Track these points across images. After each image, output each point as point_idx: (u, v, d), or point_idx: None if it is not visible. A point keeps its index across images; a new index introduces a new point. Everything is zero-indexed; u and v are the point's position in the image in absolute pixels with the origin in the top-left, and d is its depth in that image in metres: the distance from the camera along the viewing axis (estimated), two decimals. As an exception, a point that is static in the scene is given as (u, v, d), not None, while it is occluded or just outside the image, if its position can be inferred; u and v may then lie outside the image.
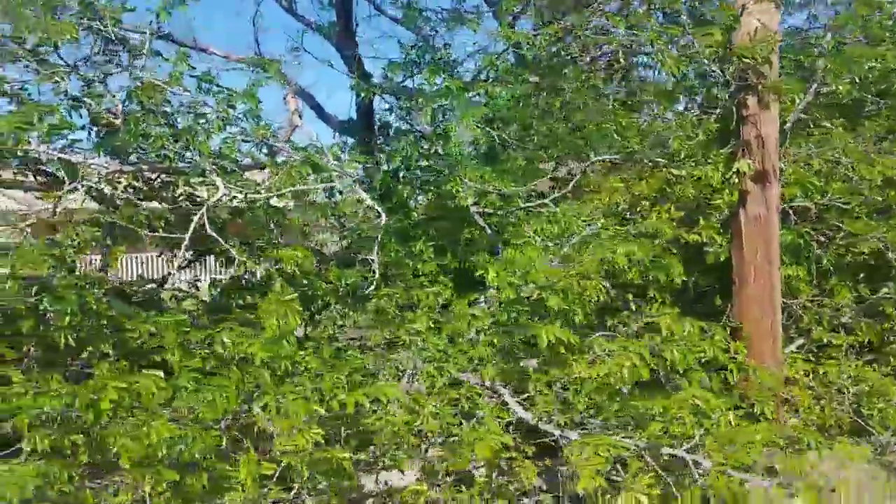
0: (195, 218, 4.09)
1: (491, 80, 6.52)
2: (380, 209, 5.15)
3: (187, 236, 3.98)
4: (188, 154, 5.30)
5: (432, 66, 6.36)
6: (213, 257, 6.09)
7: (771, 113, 4.07)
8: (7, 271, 3.72)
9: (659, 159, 4.15)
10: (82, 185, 4.04)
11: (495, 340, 3.89)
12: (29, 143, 4.37)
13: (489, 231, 5.99)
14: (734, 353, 3.73)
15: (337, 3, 6.56)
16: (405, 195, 6.53)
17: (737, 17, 3.80)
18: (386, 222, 4.99)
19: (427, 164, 6.46)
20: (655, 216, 4.06)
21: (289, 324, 3.26)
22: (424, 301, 4.91)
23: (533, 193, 5.61)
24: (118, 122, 4.39)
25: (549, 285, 3.47)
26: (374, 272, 4.99)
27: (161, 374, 3.29)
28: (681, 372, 3.33)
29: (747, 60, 3.78)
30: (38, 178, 5.10)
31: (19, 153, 4.50)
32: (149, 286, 5.71)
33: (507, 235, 5.70)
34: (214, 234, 4.19)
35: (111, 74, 5.17)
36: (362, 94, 6.58)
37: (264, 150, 5.64)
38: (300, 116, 6.08)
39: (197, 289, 6.80)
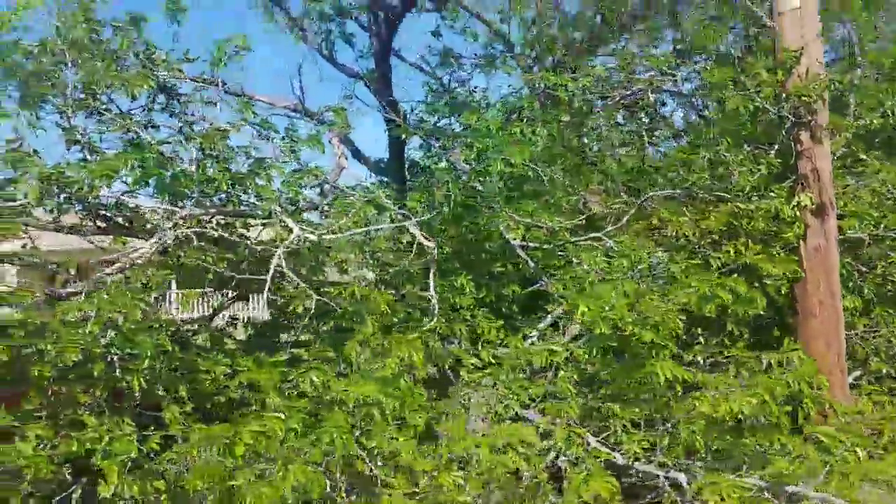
0: (274, 259, 4.21)
1: (526, 119, 6.75)
2: (432, 245, 5.28)
3: (268, 277, 4.08)
4: (243, 197, 5.49)
5: (473, 107, 6.60)
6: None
7: (824, 147, 4.25)
8: (91, 313, 3.81)
9: (722, 194, 4.29)
10: (154, 230, 4.14)
11: (576, 376, 3.94)
12: (100, 189, 4.55)
13: (531, 264, 6.10)
14: (817, 387, 3.77)
15: (376, 53, 6.84)
16: (443, 229, 6.67)
17: (797, 58, 4.01)
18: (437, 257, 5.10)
19: (466, 200, 6.61)
20: (733, 250, 4.16)
21: (415, 363, 3.32)
22: (486, 335, 4.97)
23: (579, 228, 5.75)
24: (191, 167, 4.52)
25: (641, 320, 3.54)
26: (434, 306, 5.09)
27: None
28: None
29: (806, 98, 3.97)
30: (98, 222, 5.25)
31: (91, 199, 4.67)
32: (192, 325, 5.80)
33: (552, 269, 5.84)
34: (290, 273, 4.30)
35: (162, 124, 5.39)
36: (402, 136, 6.80)
37: (317, 192, 5.84)
38: (346, 159, 6.26)
39: (235, 327, 6.88)
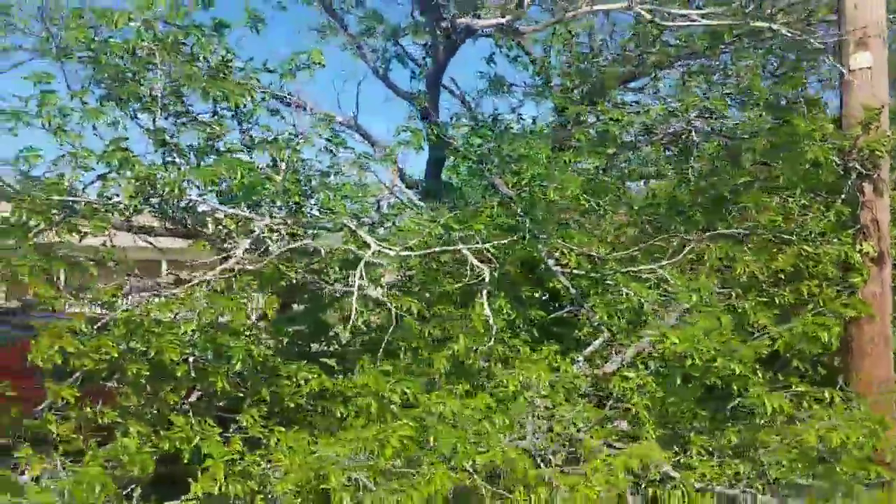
0: (357, 272, 4.39)
1: (572, 149, 7.08)
2: (485, 268, 5.49)
3: (355, 289, 4.26)
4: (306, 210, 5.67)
5: (520, 134, 6.91)
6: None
7: (884, 200, 4.65)
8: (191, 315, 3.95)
9: (788, 237, 4.64)
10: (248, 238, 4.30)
11: (650, 403, 4.20)
12: (187, 193, 4.69)
13: (573, 291, 6.38)
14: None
15: (429, 75, 7.12)
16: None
17: (877, 114, 4.41)
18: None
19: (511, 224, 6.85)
20: (806, 291, 4.49)
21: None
22: (540, 355, 5.20)
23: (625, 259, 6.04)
24: (277, 177, 4.69)
25: (728, 352, 3.83)
26: (492, 327, 5.29)
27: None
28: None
29: (877, 153, 4.36)
30: (168, 224, 5.36)
31: (174, 201, 4.79)
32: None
33: (596, 297, 6.12)
34: (366, 282, 4.48)
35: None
36: (444, 158, 7.07)
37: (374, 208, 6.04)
38: (401, 178, 6.49)
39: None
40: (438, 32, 6.56)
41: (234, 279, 4.53)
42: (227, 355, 4.17)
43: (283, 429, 4.41)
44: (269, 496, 3.86)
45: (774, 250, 4.66)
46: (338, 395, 4.71)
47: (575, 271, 6.34)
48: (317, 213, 5.94)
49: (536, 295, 6.91)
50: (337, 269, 5.97)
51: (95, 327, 3.60)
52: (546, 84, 8.08)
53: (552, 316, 6.51)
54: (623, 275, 5.90)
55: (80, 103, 4.47)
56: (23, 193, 3.89)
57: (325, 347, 6.87)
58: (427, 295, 6.81)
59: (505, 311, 6.47)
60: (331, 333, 6.86)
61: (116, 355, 3.57)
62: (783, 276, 4.60)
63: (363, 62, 7.20)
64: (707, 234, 5.20)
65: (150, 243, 5.61)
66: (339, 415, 4.65)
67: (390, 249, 4.73)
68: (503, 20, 5.68)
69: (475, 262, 5.56)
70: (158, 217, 5.15)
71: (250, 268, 4.39)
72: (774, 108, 5.64)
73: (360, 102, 7.23)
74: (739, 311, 4.47)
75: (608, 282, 6.15)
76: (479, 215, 5.73)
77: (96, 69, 4.62)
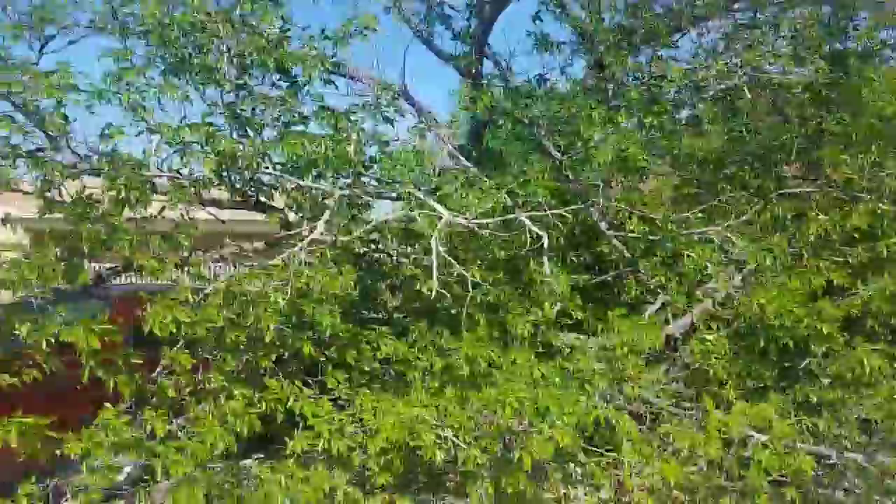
0: (433, 242, 4.53)
1: (624, 108, 7.07)
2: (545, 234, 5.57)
3: (434, 259, 4.41)
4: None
5: (567, 95, 6.94)
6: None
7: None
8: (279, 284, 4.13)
9: (860, 195, 4.69)
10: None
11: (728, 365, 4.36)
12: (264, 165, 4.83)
13: (627, 254, 6.49)
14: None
15: (474, 37, 7.12)
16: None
17: None
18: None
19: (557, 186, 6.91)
20: (885, 248, 4.57)
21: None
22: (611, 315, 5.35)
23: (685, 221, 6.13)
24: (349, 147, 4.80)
25: (816, 312, 3.96)
26: (555, 292, 5.43)
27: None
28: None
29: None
30: (237, 197, 5.52)
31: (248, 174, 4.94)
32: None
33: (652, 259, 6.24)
34: (444, 254, 4.63)
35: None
36: (485, 120, 7.12)
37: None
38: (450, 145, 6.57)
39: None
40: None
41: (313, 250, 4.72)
42: (318, 321, 4.39)
43: (366, 391, 4.67)
44: (364, 452, 4.11)
45: (847, 208, 4.73)
46: (408, 359, 4.94)
47: (630, 234, 6.46)
48: (374, 183, 6.08)
49: (579, 259, 7.06)
50: (390, 238, 6.13)
51: (199, 297, 3.79)
52: (589, 41, 8.04)
53: (597, 279, 6.66)
54: (685, 237, 6.00)
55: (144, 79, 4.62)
56: (117, 170, 4.05)
57: (375, 315, 7.07)
58: (479, 262, 6.98)
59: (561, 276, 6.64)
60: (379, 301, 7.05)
61: (221, 323, 3.77)
62: (857, 236, 4.68)
63: (405, 26, 7.20)
64: (775, 192, 5.28)
65: (213, 215, 5.80)
66: (409, 378, 4.91)
67: (463, 218, 4.86)
68: None
69: (534, 228, 5.70)
70: (228, 190, 5.30)
71: (327, 238, 4.55)
72: (836, 61, 5.61)
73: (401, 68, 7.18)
74: (813, 271, 4.57)
75: (667, 244, 6.26)
76: (539, 181, 5.79)
77: (164, 44, 4.72)
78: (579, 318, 5.67)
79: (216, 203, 5.40)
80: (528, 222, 5.79)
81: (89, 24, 5.19)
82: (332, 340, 4.69)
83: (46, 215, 4.82)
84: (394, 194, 5.61)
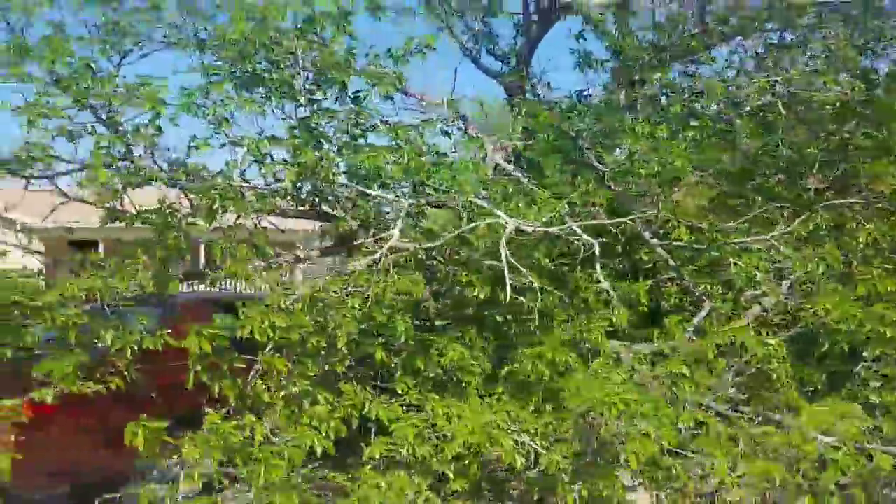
0: (502, 248, 4.67)
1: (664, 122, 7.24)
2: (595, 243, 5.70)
3: (504, 266, 4.54)
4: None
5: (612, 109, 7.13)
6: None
7: None
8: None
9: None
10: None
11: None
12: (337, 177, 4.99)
13: (671, 263, 6.61)
14: None
15: (519, 54, 7.33)
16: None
17: None
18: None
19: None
20: None
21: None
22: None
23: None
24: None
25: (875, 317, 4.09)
26: (613, 298, 5.55)
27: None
28: None
29: None
30: (300, 206, 5.68)
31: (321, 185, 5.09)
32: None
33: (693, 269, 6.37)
34: (512, 261, 4.76)
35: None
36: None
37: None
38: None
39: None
40: (534, 10, 6.75)
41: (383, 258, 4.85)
42: (392, 328, 4.51)
43: (435, 396, 4.77)
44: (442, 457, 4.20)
45: (894, 218, 4.88)
46: (468, 365, 5.05)
47: (675, 243, 6.60)
48: (431, 192, 6.24)
49: (619, 268, 7.18)
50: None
51: (289, 303, 3.92)
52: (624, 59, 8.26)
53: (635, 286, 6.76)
54: (731, 245, 6.13)
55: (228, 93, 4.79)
56: (204, 181, 4.21)
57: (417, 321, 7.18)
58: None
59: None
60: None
61: (310, 329, 3.90)
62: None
63: (454, 42, 7.40)
64: (821, 204, 5.43)
65: (274, 225, 5.95)
66: (469, 383, 5.01)
67: (529, 225, 5.00)
68: None
69: (586, 237, 5.83)
70: (296, 200, 5.46)
71: (400, 245, 4.70)
72: (866, 78, 5.80)
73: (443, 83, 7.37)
74: (865, 279, 4.70)
75: (713, 253, 6.40)
76: (593, 192, 5.95)
77: (242, 59, 4.90)
78: (619, 325, 5.82)
79: (283, 213, 5.57)
80: (579, 231, 5.96)
81: (163, 38, 5.37)
82: (400, 346, 4.82)
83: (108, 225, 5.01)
84: (453, 203, 5.75)
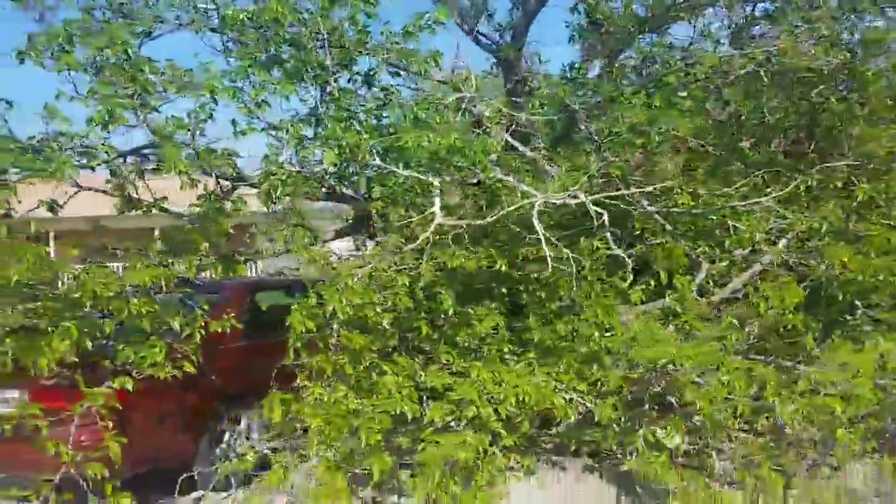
0: (535, 221, 4.89)
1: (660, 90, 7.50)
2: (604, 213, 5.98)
3: (542, 238, 4.77)
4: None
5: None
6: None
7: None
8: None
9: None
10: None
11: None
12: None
13: (669, 229, 6.96)
14: None
15: (516, 27, 7.46)
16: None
17: None
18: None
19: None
20: None
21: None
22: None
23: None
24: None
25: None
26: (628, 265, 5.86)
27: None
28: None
29: None
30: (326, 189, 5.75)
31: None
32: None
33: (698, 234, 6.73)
34: (544, 234, 4.99)
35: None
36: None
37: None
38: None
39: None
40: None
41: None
42: (441, 302, 4.71)
43: (478, 363, 5.01)
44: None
45: (887, 177, 5.34)
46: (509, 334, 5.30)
47: (672, 209, 6.94)
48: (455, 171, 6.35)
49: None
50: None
51: (353, 282, 4.06)
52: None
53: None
54: (731, 209, 6.50)
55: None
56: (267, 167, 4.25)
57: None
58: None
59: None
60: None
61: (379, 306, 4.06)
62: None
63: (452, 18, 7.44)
64: (820, 165, 5.86)
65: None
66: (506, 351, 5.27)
67: (557, 198, 5.22)
68: None
69: (593, 207, 6.09)
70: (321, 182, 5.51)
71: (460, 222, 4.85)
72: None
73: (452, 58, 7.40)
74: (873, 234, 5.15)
75: (711, 217, 6.78)
76: (612, 163, 6.19)
77: (270, 40, 4.89)
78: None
79: (309, 196, 5.62)
80: (587, 201, 6.22)
81: (176, 19, 5.29)
82: (444, 319, 5.02)
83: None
84: (475, 180, 5.90)
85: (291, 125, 4.53)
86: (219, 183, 4.99)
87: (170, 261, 4.08)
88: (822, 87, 6.98)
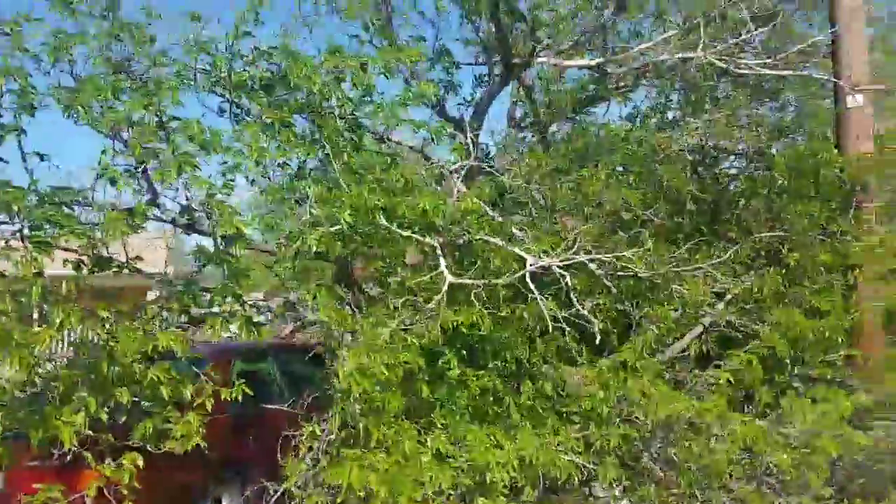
0: (529, 282, 5.12)
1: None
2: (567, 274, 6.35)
3: (538, 296, 5.00)
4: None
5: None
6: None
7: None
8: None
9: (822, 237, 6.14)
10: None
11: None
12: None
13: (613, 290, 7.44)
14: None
15: (479, 104, 7.89)
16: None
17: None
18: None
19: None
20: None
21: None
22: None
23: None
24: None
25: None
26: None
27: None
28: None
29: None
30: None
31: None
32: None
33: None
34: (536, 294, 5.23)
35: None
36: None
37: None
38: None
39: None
40: (498, 67, 7.37)
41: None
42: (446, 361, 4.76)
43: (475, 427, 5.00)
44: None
45: (814, 248, 6.18)
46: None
47: (619, 273, 7.45)
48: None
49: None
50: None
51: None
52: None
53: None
54: (676, 273, 7.09)
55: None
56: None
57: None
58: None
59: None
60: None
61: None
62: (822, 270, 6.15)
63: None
64: (755, 235, 6.64)
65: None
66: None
67: (544, 261, 5.47)
68: (593, 62, 6.63)
69: (559, 270, 6.42)
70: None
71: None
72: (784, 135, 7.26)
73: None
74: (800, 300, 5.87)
75: (657, 281, 7.34)
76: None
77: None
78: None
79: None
80: (555, 266, 6.54)
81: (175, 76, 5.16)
82: (443, 381, 5.04)
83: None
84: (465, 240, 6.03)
85: (309, 186, 4.49)
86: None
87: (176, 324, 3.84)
88: (737, 166, 8.01)
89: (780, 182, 6.73)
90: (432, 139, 5.55)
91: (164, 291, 4.54)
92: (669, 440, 4.53)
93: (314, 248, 4.09)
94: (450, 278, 4.63)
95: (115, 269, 4.95)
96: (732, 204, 7.72)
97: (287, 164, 4.44)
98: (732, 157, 7.99)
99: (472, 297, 5.33)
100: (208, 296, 4.37)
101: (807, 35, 7.39)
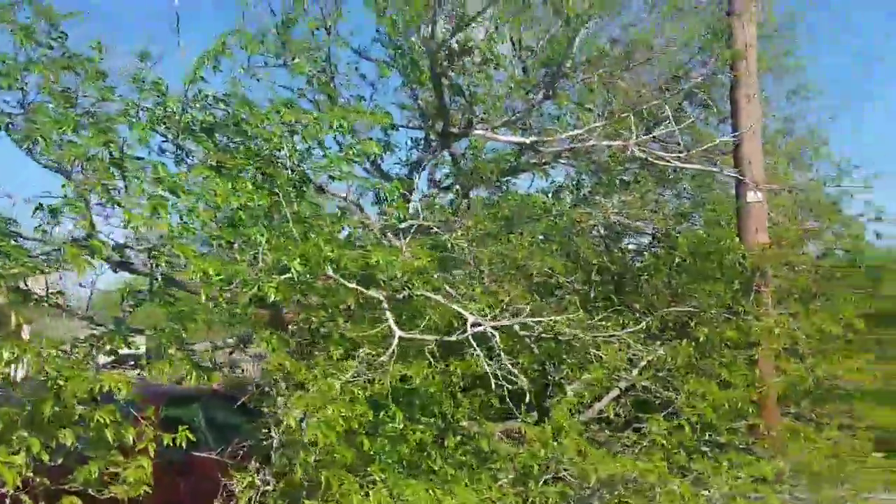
0: (470, 340, 5.31)
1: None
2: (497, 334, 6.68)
3: (481, 353, 5.19)
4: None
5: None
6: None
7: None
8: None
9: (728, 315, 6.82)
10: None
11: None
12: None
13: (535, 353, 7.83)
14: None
15: (413, 165, 8.22)
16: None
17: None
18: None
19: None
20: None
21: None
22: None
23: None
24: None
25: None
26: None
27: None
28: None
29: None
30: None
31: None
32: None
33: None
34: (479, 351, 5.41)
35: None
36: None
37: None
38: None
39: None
40: (434, 134, 7.78)
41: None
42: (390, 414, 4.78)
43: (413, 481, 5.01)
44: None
45: (721, 325, 6.86)
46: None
47: (542, 335, 7.84)
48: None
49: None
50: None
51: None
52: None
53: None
54: (593, 339, 7.55)
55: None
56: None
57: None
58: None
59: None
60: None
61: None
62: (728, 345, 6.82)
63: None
64: (660, 309, 7.23)
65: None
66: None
67: (484, 321, 5.68)
68: (527, 140, 7.14)
69: (491, 330, 6.67)
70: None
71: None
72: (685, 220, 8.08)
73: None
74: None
75: (574, 344, 7.77)
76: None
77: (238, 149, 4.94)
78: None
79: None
80: (486, 326, 6.76)
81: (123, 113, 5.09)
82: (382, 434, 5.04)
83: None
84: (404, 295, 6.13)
85: (261, 232, 4.48)
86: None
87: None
88: (641, 243, 8.80)
89: (679, 262, 7.43)
90: (385, 197, 5.66)
91: (95, 330, 4.32)
92: (605, 500, 4.74)
93: (272, 297, 4.07)
94: (400, 333, 4.72)
95: (34, 303, 4.68)
96: (636, 278, 8.42)
97: (242, 209, 4.43)
98: (639, 235, 8.74)
99: (426, 352, 5.49)
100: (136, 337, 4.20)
101: (711, 136, 8.38)
